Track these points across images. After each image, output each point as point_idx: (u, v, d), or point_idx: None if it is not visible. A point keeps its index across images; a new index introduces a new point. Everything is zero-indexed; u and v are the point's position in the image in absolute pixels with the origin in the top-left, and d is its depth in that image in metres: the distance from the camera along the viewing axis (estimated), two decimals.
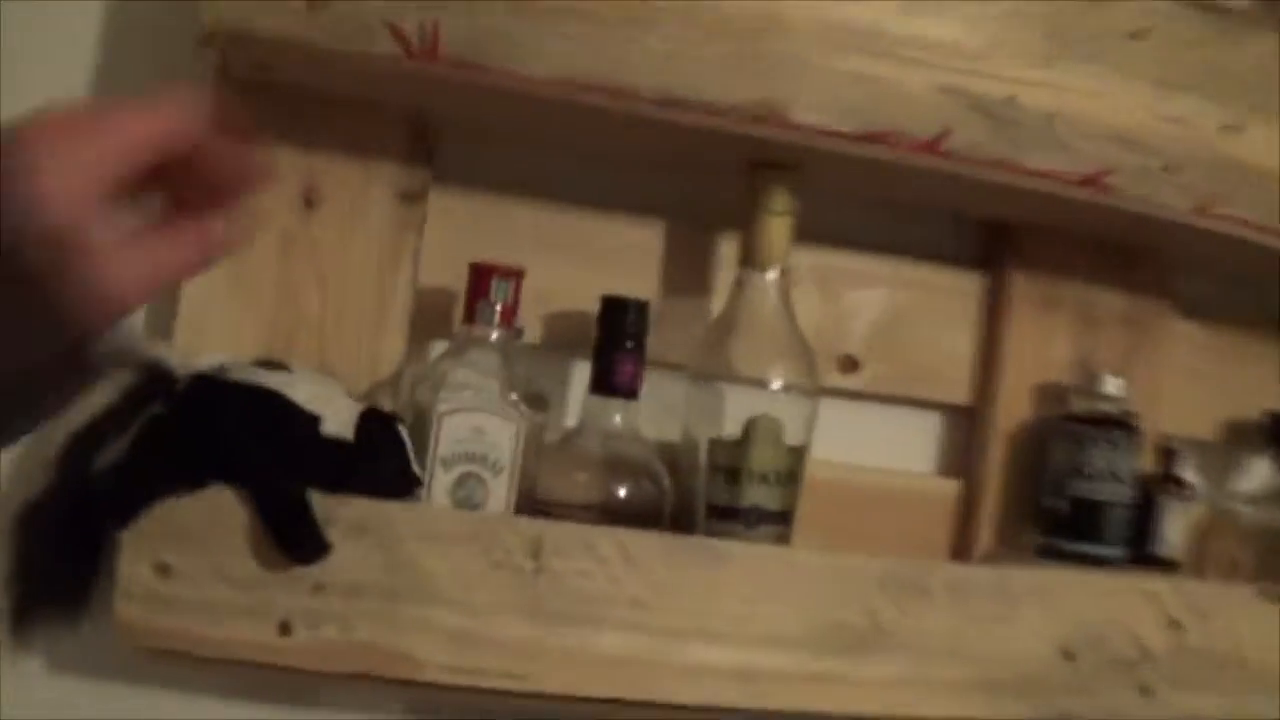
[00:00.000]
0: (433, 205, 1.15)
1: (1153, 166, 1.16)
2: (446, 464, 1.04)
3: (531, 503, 1.07)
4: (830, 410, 1.16)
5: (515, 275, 1.07)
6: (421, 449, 1.03)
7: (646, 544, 1.03)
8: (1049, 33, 1.14)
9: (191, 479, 0.97)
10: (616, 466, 1.10)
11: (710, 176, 1.17)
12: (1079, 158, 1.13)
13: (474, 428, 1.04)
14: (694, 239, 1.22)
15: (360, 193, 1.12)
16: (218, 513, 0.96)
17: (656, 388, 1.13)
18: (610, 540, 1.02)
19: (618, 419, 1.10)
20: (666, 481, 1.11)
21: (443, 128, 1.14)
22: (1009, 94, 1.12)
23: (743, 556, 1.04)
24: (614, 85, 1.04)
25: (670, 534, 1.05)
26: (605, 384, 1.10)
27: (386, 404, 1.08)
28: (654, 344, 1.11)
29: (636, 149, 1.17)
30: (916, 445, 1.32)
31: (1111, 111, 1.16)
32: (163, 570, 0.96)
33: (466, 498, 1.04)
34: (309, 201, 1.11)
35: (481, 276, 1.07)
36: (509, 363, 1.07)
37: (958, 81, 1.11)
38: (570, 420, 1.16)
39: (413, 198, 1.13)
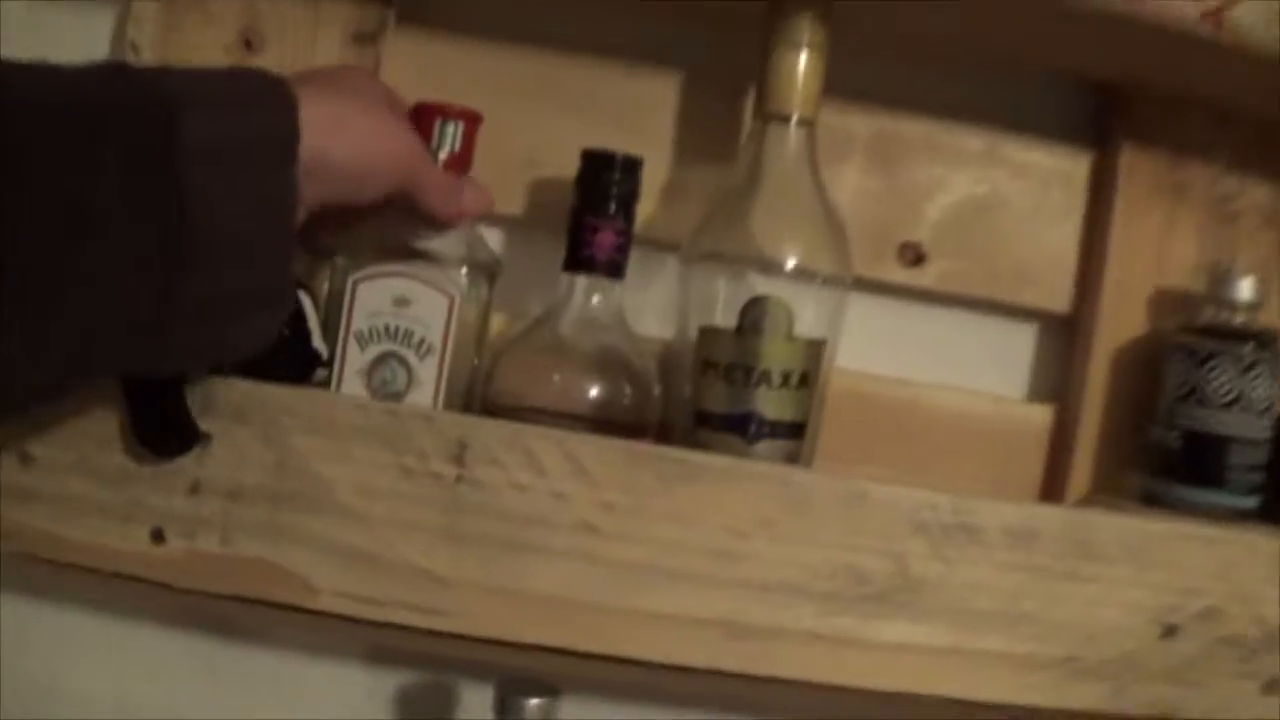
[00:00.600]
0: (390, 48, 0.98)
1: None
2: (361, 341, 0.83)
3: (478, 404, 0.87)
4: (884, 311, 1.02)
5: (467, 118, 0.86)
6: (335, 322, 0.83)
7: (602, 452, 0.79)
8: None
9: None
10: (589, 362, 0.88)
11: (738, 21, 0.93)
12: None
13: (396, 297, 0.83)
14: (715, 95, 1.01)
15: (307, 34, 0.97)
16: (84, 396, 0.79)
17: (657, 274, 0.94)
18: (555, 445, 0.79)
19: (596, 301, 0.89)
20: (656, 386, 0.89)
21: None
22: None
23: (729, 474, 0.80)
24: None
25: (635, 442, 0.82)
26: (580, 258, 0.88)
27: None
28: (658, 222, 0.95)
29: None
30: (997, 360, 1.07)
31: None
32: (25, 460, 0.79)
33: (384, 383, 0.84)
34: (248, 43, 0.97)
35: (423, 118, 0.86)
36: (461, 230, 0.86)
37: None
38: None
39: (366, 39, 0.97)
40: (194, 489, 0.79)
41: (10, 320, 0.61)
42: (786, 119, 0.88)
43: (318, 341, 0.81)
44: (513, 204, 0.98)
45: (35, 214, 0.60)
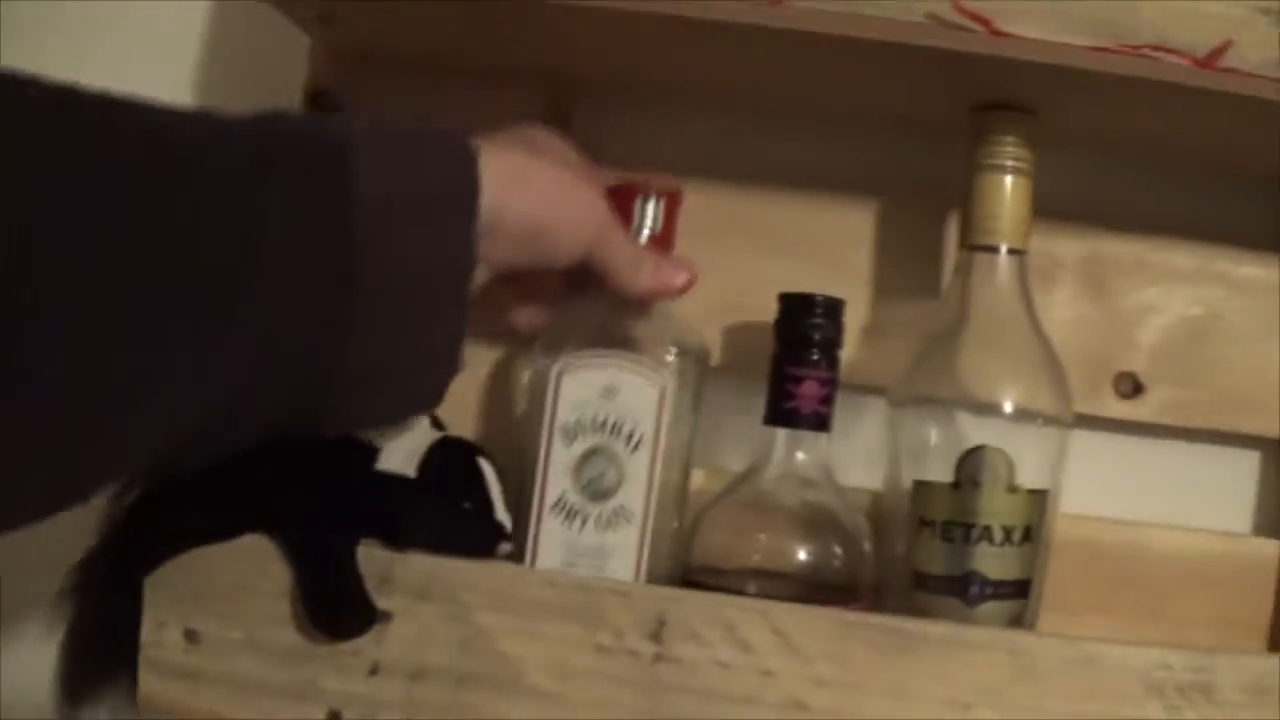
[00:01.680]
0: None
1: None
2: (568, 435, 0.79)
3: (680, 569, 0.82)
4: (1104, 447, 0.94)
5: (669, 195, 0.82)
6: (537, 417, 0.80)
7: (811, 624, 0.73)
8: None
9: (222, 524, 0.75)
10: (796, 520, 0.82)
11: (935, 138, 0.88)
12: None
13: (603, 387, 0.79)
14: (916, 225, 0.95)
15: None
16: (252, 569, 0.75)
17: (860, 420, 0.89)
18: (759, 617, 0.73)
19: (801, 456, 0.83)
20: (867, 543, 0.83)
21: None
22: None
23: (949, 643, 0.73)
24: None
25: (848, 611, 0.75)
26: (782, 410, 0.82)
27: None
28: (861, 363, 0.89)
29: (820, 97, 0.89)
30: (1222, 493, 0.98)
31: None
32: (190, 637, 0.76)
33: (592, 481, 0.79)
34: None
35: (621, 198, 0.81)
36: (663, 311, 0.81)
37: None
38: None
39: None
40: (374, 670, 0.74)
41: (168, 363, 0.56)
42: (995, 249, 0.82)
43: (501, 514, 0.76)
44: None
45: (199, 250, 0.56)
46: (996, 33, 0.76)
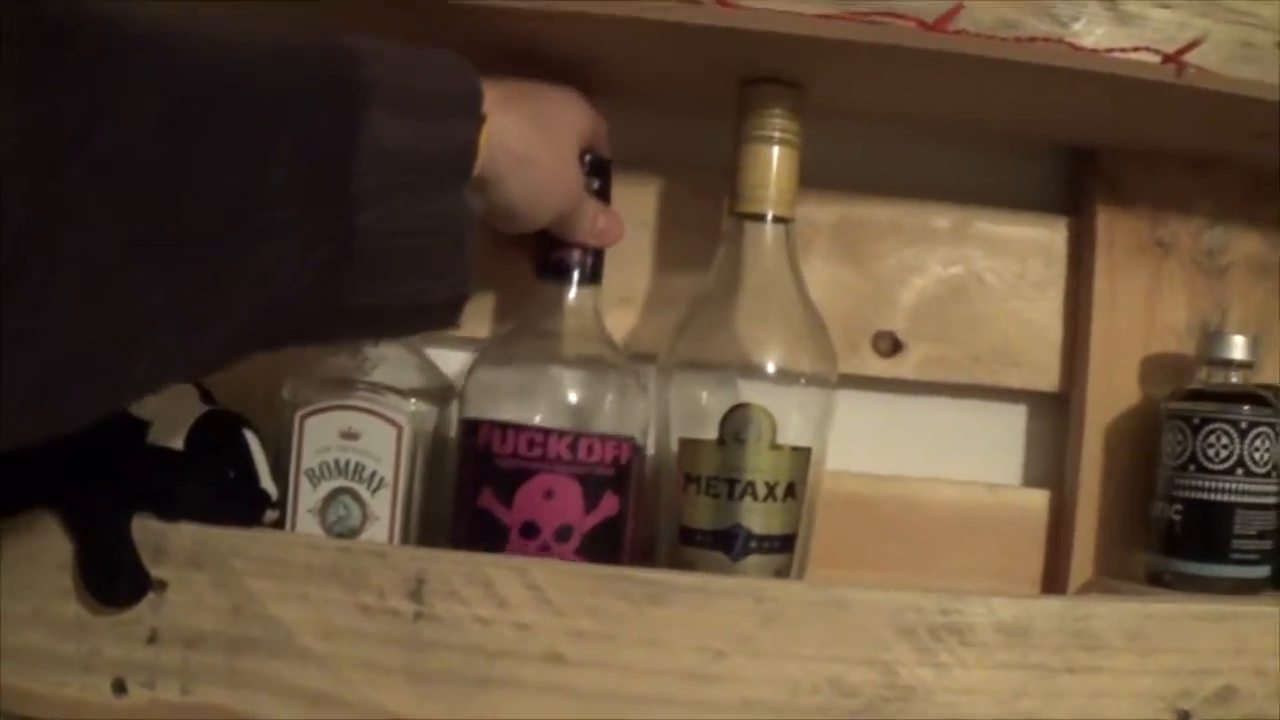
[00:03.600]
0: None
1: (1264, 41, 0.88)
2: (313, 478, 0.81)
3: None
4: (866, 405, 0.97)
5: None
6: (286, 461, 0.81)
7: (566, 579, 0.77)
8: None
9: (5, 500, 0.77)
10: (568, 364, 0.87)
11: (711, 114, 0.91)
12: (1154, 30, 0.86)
13: (343, 430, 0.80)
14: (692, 198, 0.98)
15: None
16: (37, 543, 0.78)
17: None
18: (515, 574, 0.76)
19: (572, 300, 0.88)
20: (639, 386, 0.88)
21: None
22: None
23: (700, 593, 0.77)
24: None
25: (599, 565, 0.79)
26: (552, 263, 0.87)
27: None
28: (641, 333, 0.94)
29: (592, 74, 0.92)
30: (988, 447, 1.03)
31: None
32: None
33: (338, 520, 0.81)
34: None
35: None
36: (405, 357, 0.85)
37: None
38: None
39: None
40: (152, 638, 0.77)
41: (176, 288, 0.57)
42: (761, 218, 0.86)
43: (266, 482, 0.78)
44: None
45: (205, 183, 0.57)
46: (724, 3, 0.79)
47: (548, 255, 0.86)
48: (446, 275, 0.68)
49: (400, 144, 0.63)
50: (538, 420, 0.83)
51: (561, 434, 0.82)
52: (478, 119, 0.68)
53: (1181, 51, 0.83)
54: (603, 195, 0.86)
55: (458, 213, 0.67)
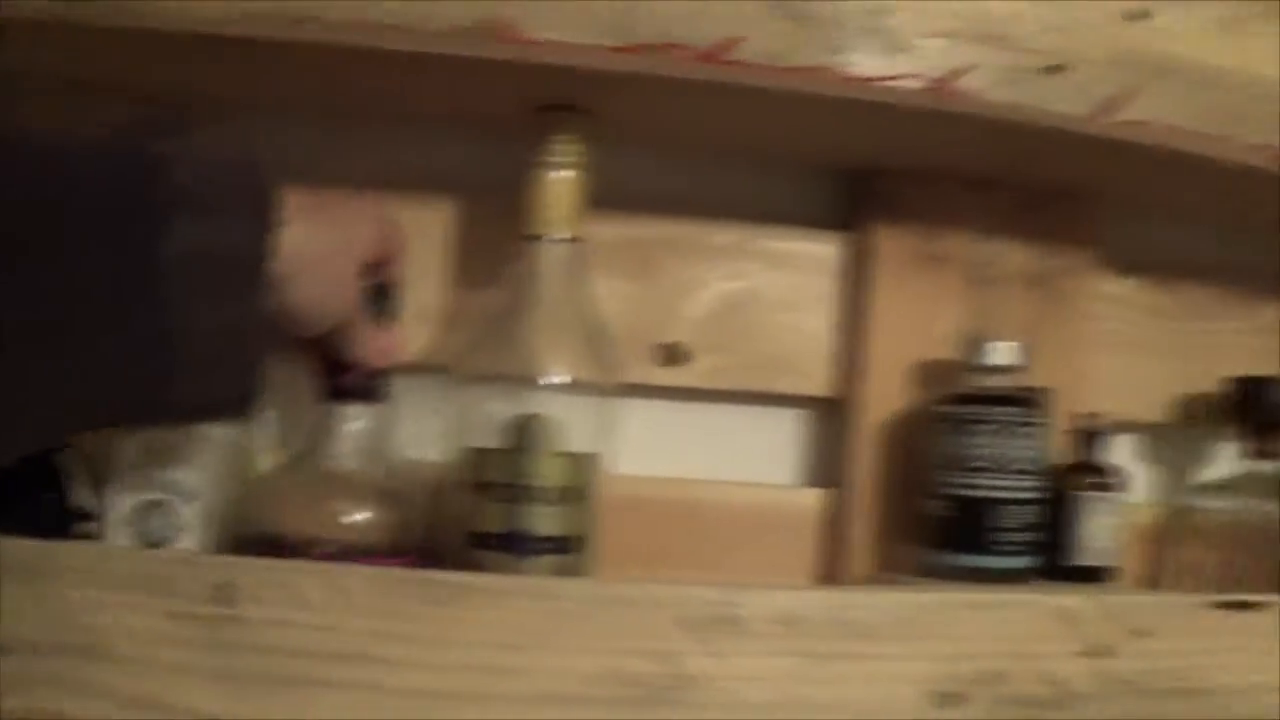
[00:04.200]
0: None
1: (1029, 65, 0.97)
2: (125, 491, 0.87)
3: (240, 542, 0.91)
4: (654, 412, 1.07)
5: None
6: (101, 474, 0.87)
7: (366, 582, 0.84)
8: None
9: None
10: (348, 490, 0.93)
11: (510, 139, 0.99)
12: (920, 60, 0.94)
13: (155, 445, 0.88)
14: (490, 218, 1.05)
15: None
16: None
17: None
18: (318, 579, 0.84)
19: (355, 428, 0.93)
20: (417, 508, 0.94)
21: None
22: None
23: (491, 591, 0.86)
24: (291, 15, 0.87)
25: (399, 568, 0.88)
26: (336, 386, 0.93)
27: None
28: (437, 347, 1.01)
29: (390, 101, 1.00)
30: (769, 450, 1.14)
31: (965, 3, 0.97)
32: None
33: (151, 532, 0.88)
34: None
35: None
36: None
37: None
38: None
39: None
40: None
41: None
42: (549, 238, 0.94)
43: (79, 495, 0.85)
44: None
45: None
46: (507, 39, 0.89)
47: (329, 376, 0.92)
48: (240, 372, 0.75)
49: (199, 245, 0.70)
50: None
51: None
52: (274, 224, 0.74)
53: (948, 78, 0.94)
54: (385, 316, 0.91)
55: (252, 313, 0.74)
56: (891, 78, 0.93)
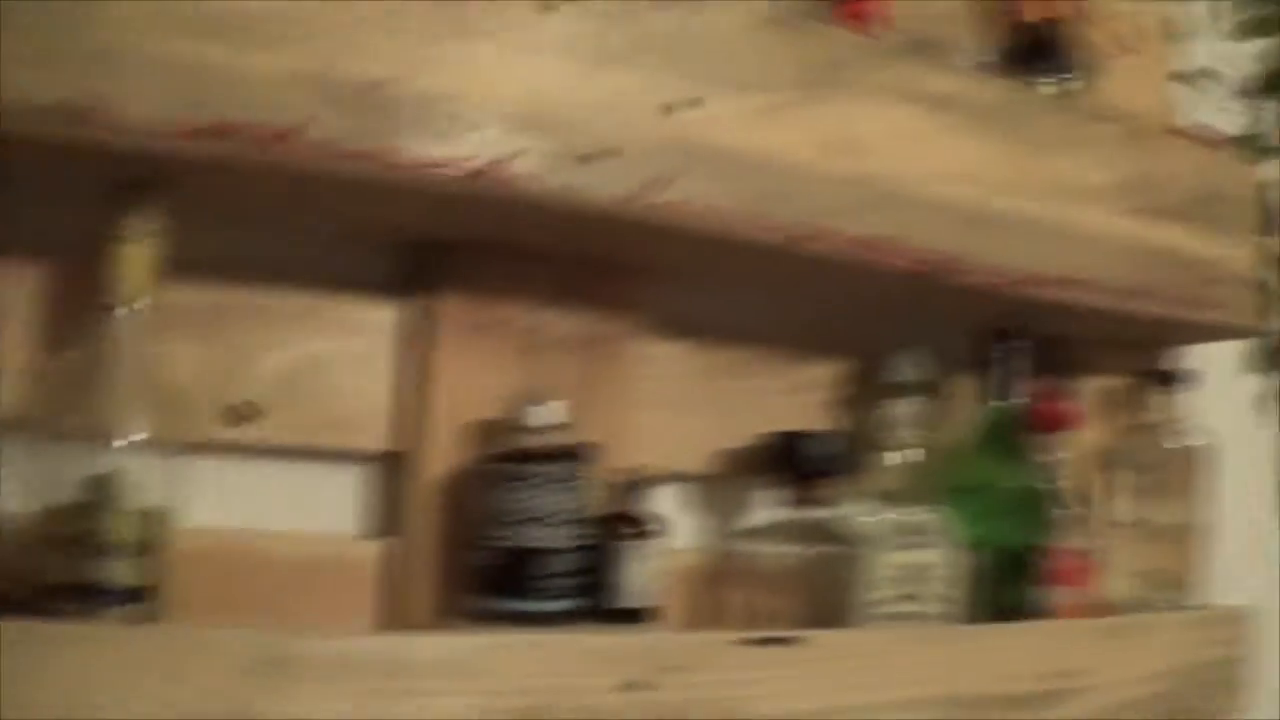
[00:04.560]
0: None
1: (571, 151, 1.11)
2: None
3: None
4: (224, 468, 1.13)
5: None
6: None
7: None
8: (437, 10, 1.07)
9: None
10: None
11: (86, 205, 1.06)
12: (470, 147, 1.06)
13: None
14: (73, 282, 1.12)
15: None
16: None
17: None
18: None
19: None
20: None
21: None
22: (384, 76, 1.04)
23: (61, 639, 0.94)
24: None
25: None
26: None
27: None
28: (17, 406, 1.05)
29: None
30: (333, 503, 1.24)
31: (517, 92, 1.10)
32: None
33: None
34: None
35: None
36: None
37: (319, 66, 1.02)
38: None
39: None
40: None
41: None
42: (122, 305, 1.02)
43: None
44: None
45: None
46: (88, 121, 0.95)
47: None
48: None
49: None
50: None
51: None
52: None
53: (498, 164, 1.06)
54: None
55: None
56: (444, 163, 1.05)
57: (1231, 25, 2.05)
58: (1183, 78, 1.96)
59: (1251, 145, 1.96)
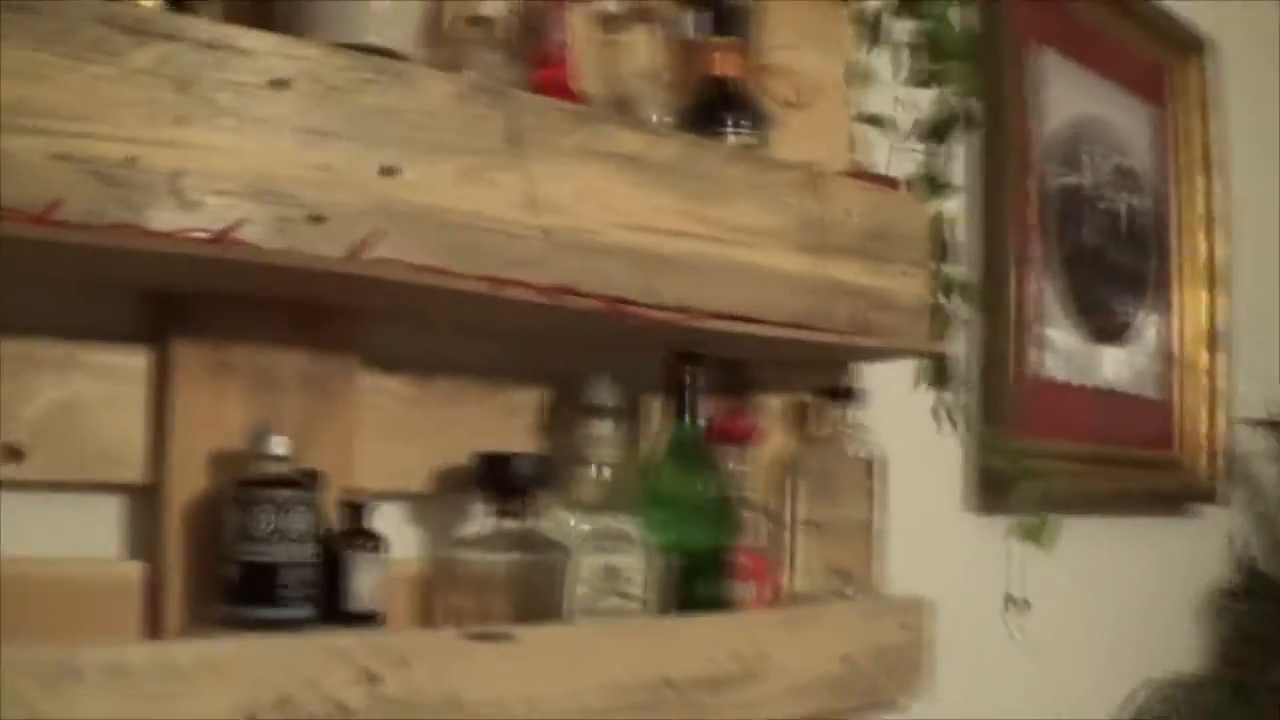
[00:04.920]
0: None
1: (295, 216, 1.29)
2: None
3: None
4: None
5: None
6: None
7: None
8: (180, 88, 1.24)
9: None
10: None
11: None
12: (207, 215, 1.24)
13: None
14: None
15: None
16: None
17: None
18: None
19: None
20: None
21: None
22: (129, 155, 1.21)
23: None
24: None
25: None
26: None
27: None
28: None
29: None
30: (96, 530, 1.41)
31: (247, 165, 1.27)
32: None
33: None
34: None
35: None
36: None
37: (72, 146, 1.19)
38: None
39: None
40: None
41: None
42: None
43: None
44: None
45: None
46: None
47: None
48: None
49: None
50: None
51: None
52: None
53: (229, 230, 1.24)
54: None
55: None
56: (186, 231, 1.23)
57: (908, 75, 2.32)
58: (864, 122, 2.23)
59: (925, 185, 2.26)
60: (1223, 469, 3.26)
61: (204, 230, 1.24)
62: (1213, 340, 3.26)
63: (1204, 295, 3.25)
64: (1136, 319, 3.04)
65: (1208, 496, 3.25)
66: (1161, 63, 3.21)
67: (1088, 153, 2.88)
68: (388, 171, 1.38)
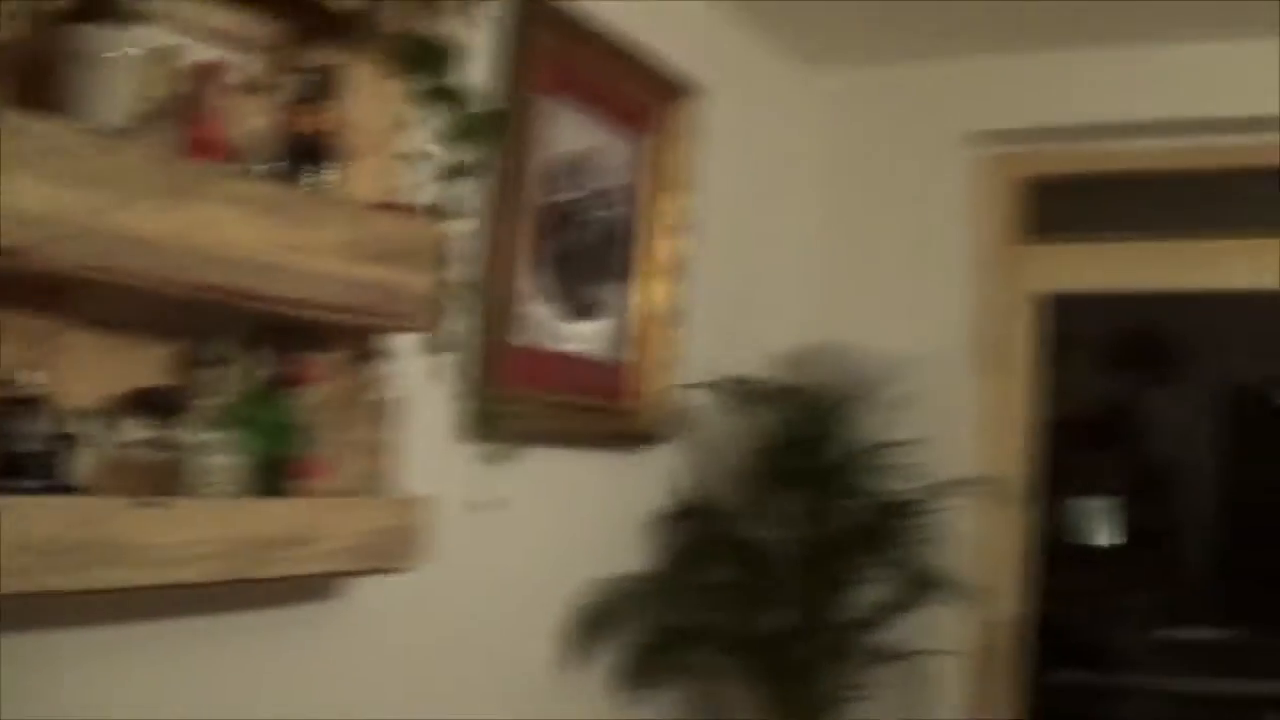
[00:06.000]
0: None
1: (47, 238, 1.99)
2: None
3: None
4: None
5: None
6: None
7: None
8: None
9: None
10: None
11: None
12: None
13: None
14: None
15: None
16: None
17: None
18: None
19: None
20: None
21: None
22: None
23: None
24: None
25: None
26: None
27: None
28: None
29: None
30: None
31: (38, 199, 1.97)
32: None
33: None
34: None
35: None
36: None
37: None
38: None
39: None
40: None
41: None
42: None
43: None
44: None
45: None
46: None
47: None
48: None
49: None
50: None
51: None
52: None
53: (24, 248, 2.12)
54: None
55: None
56: None
57: (439, 127, 3.09)
58: (405, 160, 2.96)
59: (437, 212, 3.04)
60: (670, 418, 4.16)
61: None
62: (672, 318, 4.15)
63: (666, 284, 4.15)
64: (606, 301, 3.97)
65: (653, 439, 4.15)
66: (650, 103, 4.05)
67: (576, 177, 3.74)
68: (100, 211, 2.28)
